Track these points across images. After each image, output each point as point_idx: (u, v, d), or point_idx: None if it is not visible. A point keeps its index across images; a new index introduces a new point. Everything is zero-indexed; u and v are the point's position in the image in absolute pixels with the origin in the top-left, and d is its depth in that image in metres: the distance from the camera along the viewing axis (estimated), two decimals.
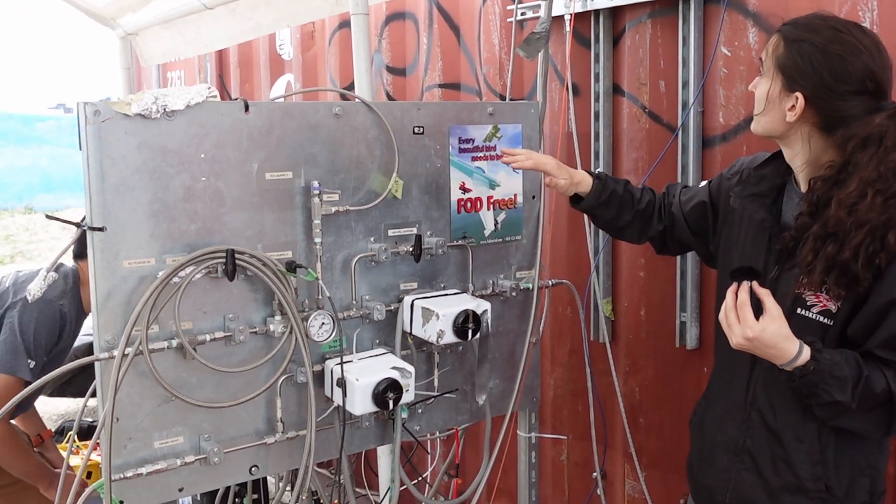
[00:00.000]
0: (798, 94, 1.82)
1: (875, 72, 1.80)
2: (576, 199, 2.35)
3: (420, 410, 2.46)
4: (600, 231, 2.89)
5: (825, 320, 1.85)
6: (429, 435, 3.06)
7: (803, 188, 1.93)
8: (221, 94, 5.15)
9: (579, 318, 2.94)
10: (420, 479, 3.41)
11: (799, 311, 1.87)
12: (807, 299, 1.86)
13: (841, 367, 1.77)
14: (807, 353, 1.78)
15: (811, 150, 1.87)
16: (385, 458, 3.38)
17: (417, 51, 3.64)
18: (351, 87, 3.28)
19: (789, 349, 1.78)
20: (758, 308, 1.79)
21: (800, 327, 1.82)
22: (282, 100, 4.38)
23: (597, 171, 2.35)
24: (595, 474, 3.02)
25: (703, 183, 2.24)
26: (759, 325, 1.78)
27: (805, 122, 1.84)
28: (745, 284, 1.84)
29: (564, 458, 3.17)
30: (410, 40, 3.70)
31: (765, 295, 1.81)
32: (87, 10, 5.11)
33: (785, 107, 1.85)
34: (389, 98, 3.79)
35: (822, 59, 1.80)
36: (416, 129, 2.37)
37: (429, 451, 3.46)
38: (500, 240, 2.56)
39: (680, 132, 2.60)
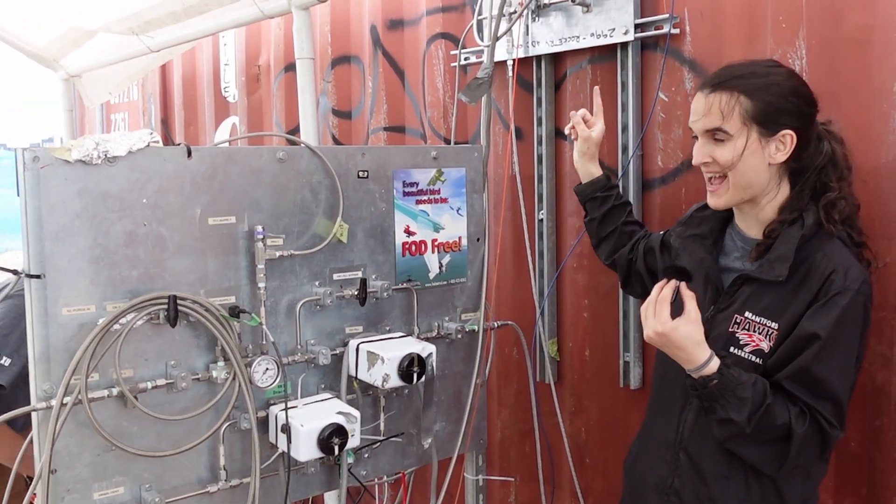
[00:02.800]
0: (786, 132, 1.86)
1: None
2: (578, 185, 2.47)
3: (366, 455, 2.44)
4: (545, 273, 2.92)
5: (756, 359, 1.88)
6: (376, 479, 3.03)
7: (746, 230, 1.98)
8: (164, 137, 5.13)
9: (525, 360, 2.95)
10: None
11: (732, 349, 1.91)
12: (740, 338, 1.90)
13: (745, 387, 1.79)
14: (715, 364, 1.81)
15: (783, 192, 1.93)
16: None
17: (363, 94, 3.67)
18: (296, 130, 3.29)
19: (698, 354, 1.82)
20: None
21: (731, 365, 1.85)
22: (226, 143, 4.40)
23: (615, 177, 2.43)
24: None
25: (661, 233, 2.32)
26: (672, 324, 1.83)
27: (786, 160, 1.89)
28: (673, 283, 1.89)
29: (513, 499, 3.17)
30: (356, 84, 3.73)
31: (688, 298, 1.86)
32: (29, 52, 5.06)
33: (769, 151, 1.87)
34: (335, 141, 3.80)
35: (793, 92, 1.87)
36: (361, 173, 2.38)
37: (376, 495, 3.43)
38: (445, 282, 2.58)
39: (620, 175, 2.65)
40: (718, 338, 1.91)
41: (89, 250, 1.96)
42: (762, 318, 1.88)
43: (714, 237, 2.05)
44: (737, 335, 1.90)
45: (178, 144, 2.09)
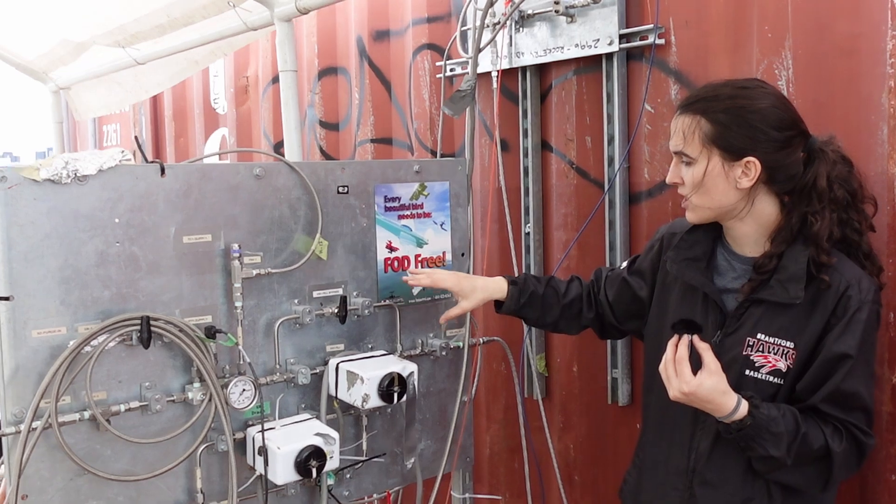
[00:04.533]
0: (749, 159, 1.80)
1: (797, 114, 1.84)
2: (498, 304, 2.34)
3: (348, 475, 2.40)
4: None
5: (775, 380, 1.84)
6: (365, 498, 2.99)
7: (738, 249, 1.94)
8: (154, 149, 5.10)
9: (511, 375, 2.91)
10: None
11: (748, 372, 1.86)
12: (755, 360, 1.86)
13: (778, 422, 1.76)
14: (744, 407, 1.77)
15: (758, 211, 1.87)
16: None
17: (350, 106, 3.63)
18: (283, 142, 3.26)
19: (726, 403, 1.77)
20: (697, 363, 1.79)
21: (750, 388, 1.83)
22: (216, 158, 4.37)
23: (516, 276, 2.33)
24: None
25: (624, 264, 2.24)
26: (696, 381, 1.78)
27: (756, 183, 1.83)
28: (686, 338, 1.84)
29: None
30: (343, 95, 3.70)
31: (704, 350, 1.81)
32: (18, 64, 5.04)
33: (734, 176, 1.82)
34: (323, 153, 3.77)
35: (760, 117, 1.79)
36: (341, 189, 2.34)
37: None
38: (430, 298, 2.54)
39: (606, 187, 2.61)
40: (732, 362, 1.86)
41: (59, 271, 1.92)
42: (777, 339, 1.84)
43: (707, 259, 2.00)
44: (751, 358, 1.86)
45: (153, 162, 2.05)
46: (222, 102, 4.56)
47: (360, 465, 2.39)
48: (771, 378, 1.84)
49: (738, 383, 1.83)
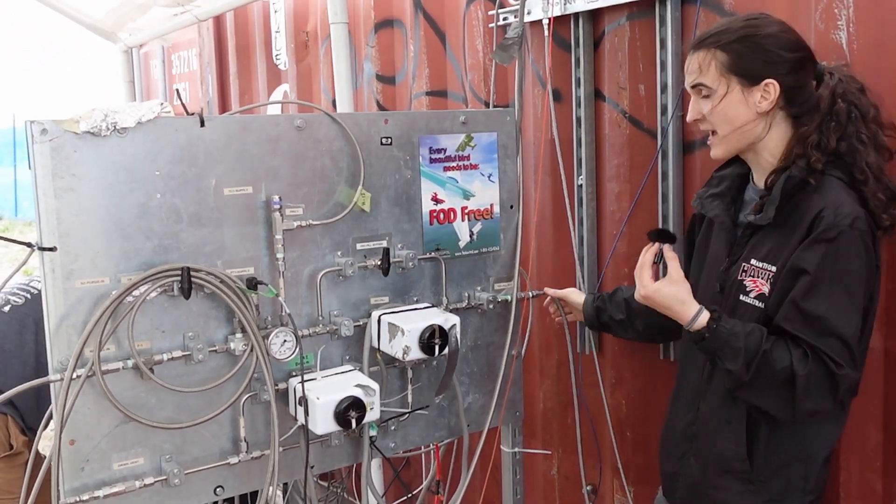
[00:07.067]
0: (768, 81, 1.88)
1: (801, 37, 1.94)
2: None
3: (393, 427, 2.40)
4: (585, 240, 2.81)
5: (759, 304, 1.91)
6: (418, 449, 3.01)
7: (758, 182, 2.01)
8: (221, 106, 5.15)
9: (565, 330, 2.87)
10: (410, 495, 3.35)
11: (741, 297, 1.96)
12: (746, 285, 1.94)
13: (738, 337, 1.83)
14: (703, 319, 1.89)
15: (776, 137, 1.94)
16: (376, 473, 3.34)
17: (406, 58, 3.59)
18: None
19: (684, 312, 1.92)
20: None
21: (742, 313, 1.94)
22: (279, 109, 4.40)
23: (599, 294, 2.59)
24: (585, 489, 2.94)
25: None
26: (654, 286, 1.98)
27: (774, 108, 1.91)
28: (656, 246, 2.05)
29: (555, 471, 3.10)
30: (399, 48, 3.65)
31: (670, 259, 2.01)
32: (88, 24, 5.13)
33: (754, 101, 1.91)
34: (380, 107, 3.74)
35: (772, 41, 1.89)
36: (384, 140, 2.31)
37: (423, 466, 3.40)
38: (477, 251, 2.50)
39: (660, 137, 2.53)
40: (731, 288, 1.98)
41: (102, 222, 1.95)
42: (764, 264, 1.91)
43: (733, 194, 2.08)
44: (744, 283, 1.95)
45: (192, 115, 2.05)
46: (284, 58, 4.56)
47: (405, 417, 2.39)
48: (756, 303, 1.92)
49: (734, 308, 1.94)
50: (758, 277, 1.92)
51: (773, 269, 1.89)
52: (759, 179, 2.02)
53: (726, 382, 1.91)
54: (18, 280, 3.19)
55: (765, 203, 1.91)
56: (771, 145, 1.95)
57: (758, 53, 1.89)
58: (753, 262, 1.93)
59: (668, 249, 2.01)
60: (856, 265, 1.80)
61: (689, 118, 2.03)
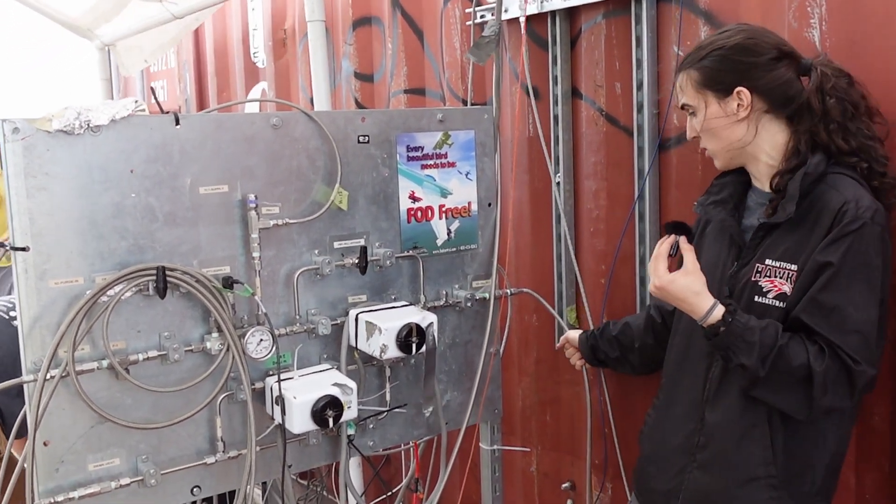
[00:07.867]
0: (739, 89, 1.92)
1: (779, 39, 1.96)
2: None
3: (371, 426, 2.40)
4: (563, 237, 2.82)
5: (780, 304, 1.88)
6: (396, 447, 3.00)
7: (762, 187, 2.01)
8: (199, 105, 5.12)
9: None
10: (390, 493, 3.35)
11: (756, 298, 1.92)
12: (762, 286, 1.91)
13: (753, 331, 1.81)
14: (719, 312, 1.86)
15: (766, 140, 1.95)
16: (356, 472, 3.34)
17: (384, 56, 3.58)
18: None
19: (699, 304, 1.89)
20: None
21: (757, 315, 1.87)
22: (257, 107, 4.38)
23: (591, 332, 2.59)
24: (564, 486, 2.95)
25: None
26: (669, 277, 1.95)
27: (755, 112, 1.93)
28: (672, 237, 2.04)
29: (534, 469, 3.11)
30: (377, 46, 3.65)
31: (686, 250, 2.00)
32: (64, 22, 5.08)
33: (731, 110, 1.95)
34: (358, 105, 3.73)
35: (736, 50, 1.93)
36: (361, 138, 2.31)
37: (402, 464, 3.40)
38: (454, 249, 2.51)
39: (636, 135, 2.53)
40: (742, 290, 1.94)
41: (76, 222, 1.93)
42: (782, 263, 1.89)
43: (735, 201, 2.08)
44: (759, 283, 1.91)
45: (166, 113, 2.04)
46: (262, 56, 4.54)
47: (383, 415, 2.39)
48: (777, 303, 1.89)
49: (747, 311, 1.89)
50: (776, 277, 1.89)
51: (794, 267, 1.86)
52: (762, 184, 2.01)
53: (741, 380, 1.89)
54: None
55: (778, 203, 1.89)
56: (766, 147, 1.96)
57: (724, 64, 1.94)
58: (769, 262, 1.90)
59: (683, 241, 2.02)
60: (876, 258, 1.80)
61: (688, 137, 2.08)
